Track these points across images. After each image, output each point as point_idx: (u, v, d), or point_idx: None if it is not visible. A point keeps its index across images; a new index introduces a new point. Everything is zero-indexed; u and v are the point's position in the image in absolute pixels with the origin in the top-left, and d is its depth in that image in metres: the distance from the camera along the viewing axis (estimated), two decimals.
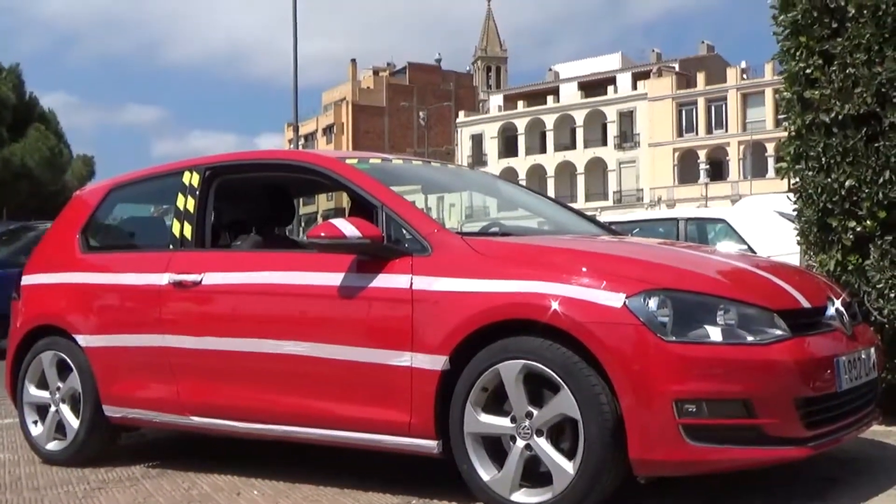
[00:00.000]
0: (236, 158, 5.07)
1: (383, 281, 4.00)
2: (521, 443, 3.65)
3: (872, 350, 4.03)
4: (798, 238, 5.55)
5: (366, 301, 4.03)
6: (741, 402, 3.41)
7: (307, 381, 4.20)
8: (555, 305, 3.56)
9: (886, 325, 5.03)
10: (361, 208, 4.44)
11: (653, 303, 3.48)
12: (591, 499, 3.51)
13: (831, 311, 3.85)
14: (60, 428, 5.21)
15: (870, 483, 3.91)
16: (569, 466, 3.53)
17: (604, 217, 10.31)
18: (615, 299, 3.50)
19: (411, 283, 3.92)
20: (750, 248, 9.18)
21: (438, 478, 4.09)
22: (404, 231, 4.08)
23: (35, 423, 5.34)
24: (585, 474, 3.48)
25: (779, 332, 3.53)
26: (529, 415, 3.64)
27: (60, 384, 5.21)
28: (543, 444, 3.60)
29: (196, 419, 4.64)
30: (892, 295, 5.01)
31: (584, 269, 3.66)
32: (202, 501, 4.24)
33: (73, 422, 5.13)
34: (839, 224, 5.19)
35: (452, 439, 3.80)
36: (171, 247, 4.86)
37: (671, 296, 3.51)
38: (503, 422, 3.70)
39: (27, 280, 5.54)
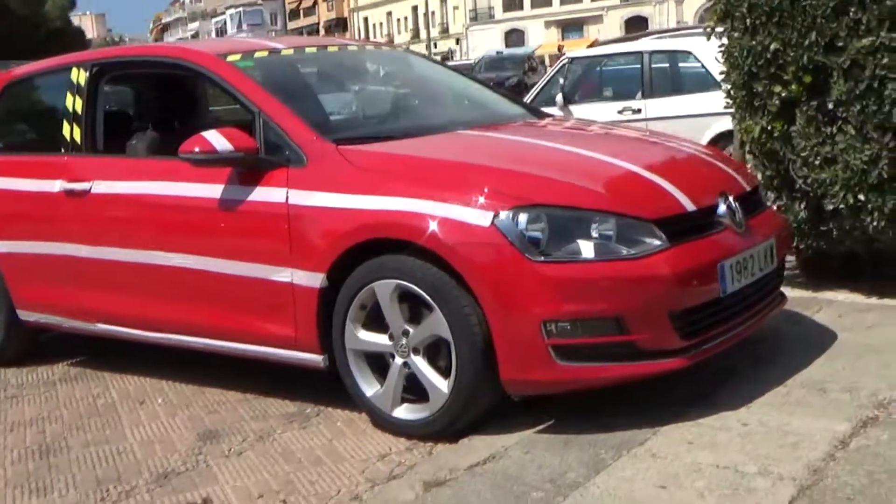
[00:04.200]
0: (119, 55, 4.82)
1: (260, 194, 3.86)
2: (399, 360, 3.60)
3: (772, 241, 3.89)
4: (726, 101, 5.33)
5: (245, 215, 3.90)
6: (612, 320, 3.32)
7: (198, 294, 4.13)
8: (423, 225, 3.42)
9: (811, 194, 4.87)
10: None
11: (522, 220, 3.33)
12: (467, 417, 3.49)
13: (722, 208, 3.69)
14: None
15: (764, 375, 3.85)
16: (444, 385, 3.49)
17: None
18: (483, 218, 3.36)
19: (287, 198, 3.78)
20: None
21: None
22: (282, 140, 3.89)
23: None
24: (459, 394, 3.44)
25: (656, 243, 3.39)
26: (406, 333, 3.57)
27: None
28: (420, 363, 3.55)
29: (101, 326, 4.61)
30: (817, 163, 4.83)
31: (455, 185, 3.49)
32: (105, 413, 4.28)
33: None
34: (765, 89, 4.95)
35: (336, 355, 3.75)
36: (62, 150, 4.70)
37: (541, 212, 3.35)
38: (382, 339, 3.64)
39: None
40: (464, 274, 3.36)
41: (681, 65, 9.81)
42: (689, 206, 3.58)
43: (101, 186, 4.43)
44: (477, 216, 3.37)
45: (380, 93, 4.82)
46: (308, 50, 4.66)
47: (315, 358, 3.83)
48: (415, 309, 3.56)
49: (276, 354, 3.96)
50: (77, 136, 4.63)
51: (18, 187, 4.86)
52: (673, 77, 9.75)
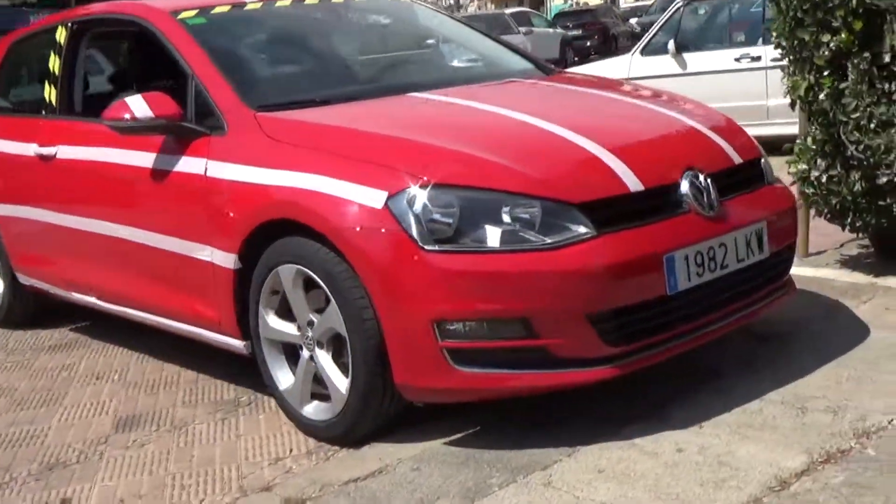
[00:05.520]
0: (92, 12, 4.56)
1: (183, 165, 3.56)
2: (306, 353, 3.23)
3: (759, 226, 3.25)
4: (777, 53, 4.61)
5: (170, 187, 3.62)
6: (518, 322, 2.82)
7: (140, 268, 3.90)
8: (315, 205, 3.03)
9: (864, 163, 4.12)
10: None
11: (419, 202, 2.87)
12: (366, 423, 3.08)
13: (685, 187, 3.08)
14: None
15: (745, 384, 3.23)
16: (343, 385, 3.10)
17: None
18: (377, 199, 2.92)
19: (206, 169, 3.46)
20: None
21: None
22: (208, 106, 3.56)
23: None
24: (356, 395, 3.04)
25: (580, 231, 2.86)
26: (311, 324, 3.20)
27: None
28: (323, 358, 3.17)
29: (75, 295, 4.47)
30: (871, 125, 4.07)
31: (356, 160, 3.06)
32: (58, 388, 4.13)
33: None
34: (812, 38, 4.21)
35: (254, 342, 3.43)
36: (42, 112, 4.56)
37: (444, 193, 2.88)
38: (291, 329, 3.28)
39: None
40: (352, 262, 2.95)
41: None
42: (635, 186, 3.00)
43: (64, 151, 4.26)
44: (371, 197, 2.93)
45: (343, 51, 4.37)
46: (279, 3, 4.26)
47: (237, 343, 3.52)
48: (326, 298, 3.17)
49: (204, 336, 3.68)
50: (53, 98, 4.47)
51: (5, 150, 4.76)
52: None
